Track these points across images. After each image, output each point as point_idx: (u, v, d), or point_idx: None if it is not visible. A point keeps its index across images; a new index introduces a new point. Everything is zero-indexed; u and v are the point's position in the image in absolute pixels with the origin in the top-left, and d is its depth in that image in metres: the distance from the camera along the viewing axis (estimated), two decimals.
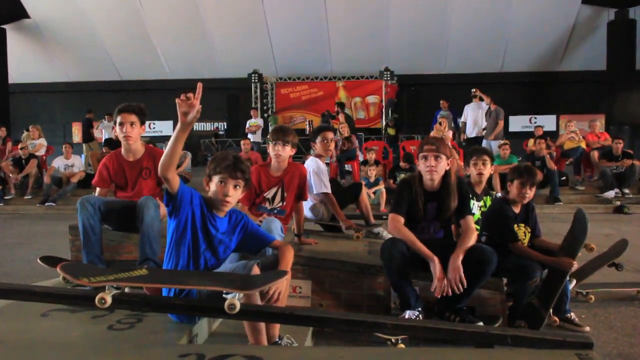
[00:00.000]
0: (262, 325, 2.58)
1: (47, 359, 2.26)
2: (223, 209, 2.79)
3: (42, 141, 12.97)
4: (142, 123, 4.08)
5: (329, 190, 4.76)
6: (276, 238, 3.02)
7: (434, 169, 3.41)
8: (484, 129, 12.65)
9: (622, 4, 17.93)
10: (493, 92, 13.18)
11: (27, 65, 20.69)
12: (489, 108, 12.56)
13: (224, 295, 2.34)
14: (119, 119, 4.01)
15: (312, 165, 4.76)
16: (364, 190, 5.14)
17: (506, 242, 3.75)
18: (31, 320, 2.76)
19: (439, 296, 3.25)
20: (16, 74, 20.67)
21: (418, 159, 3.54)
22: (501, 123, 12.39)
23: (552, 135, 12.86)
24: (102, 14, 19.08)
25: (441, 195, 3.48)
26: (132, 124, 4.00)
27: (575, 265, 3.46)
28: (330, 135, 4.97)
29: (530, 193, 3.87)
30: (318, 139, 4.91)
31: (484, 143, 12.39)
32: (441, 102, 14.46)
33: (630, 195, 10.58)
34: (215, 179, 2.75)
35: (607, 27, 18.32)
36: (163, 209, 3.87)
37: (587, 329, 3.69)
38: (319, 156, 4.90)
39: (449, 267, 3.20)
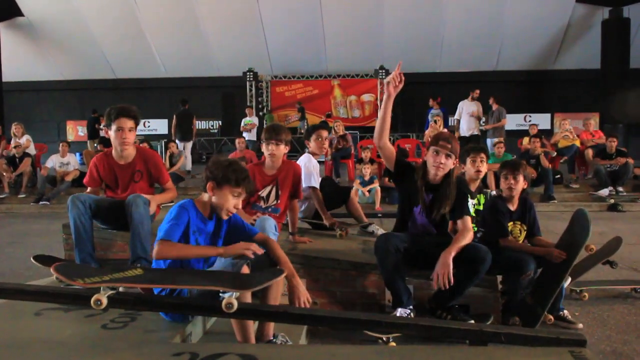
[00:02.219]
0: (250, 322, 2.58)
1: (40, 358, 2.26)
2: (223, 216, 2.81)
3: (27, 137, 12.86)
4: (137, 125, 4.03)
5: (317, 185, 4.77)
6: (258, 232, 3.02)
7: (442, 166, 3.47)
8: (482, 129, 12.75)
9: (616, 3, 17.99)
10: (488, 91, 13.23)
11: (21, 63, 20.58)
12: (491, 108, 12.62)
13: (220, 295, 2.34)
14: (117, 124, 3.87)
15: (304, 160, 4.77)
16: (353, 195, 5.14)
17: (497, 237, 3.77)
18: (25, 319, 2.74)
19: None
20: (10, 73, 20.55)
21: (428, 150, 3.56)
22: (504, 120, 12.49)
23: (547, 134, 12.91)
24: (96, 11, 19.02)
25: (439, 190, 3.50)
26: (130, 129, 3.92)
27: (563, 256, 3.48)
28: (324, 133, 5.01)
29: (514, 183, 3.87)
30: (312, 137, 4.95)
31: (489, 142, 12.42)
32: (430, 100, 14.47)
33: (624, 193, 10.60)
34: (228, 189, 2.73)
35: (602, 25, 18.40)
36: (153, 206, 3.86)
37: (580, 326, 3.70)
38: (313, 154, 4.92)
39: (439, 262, 3.21)
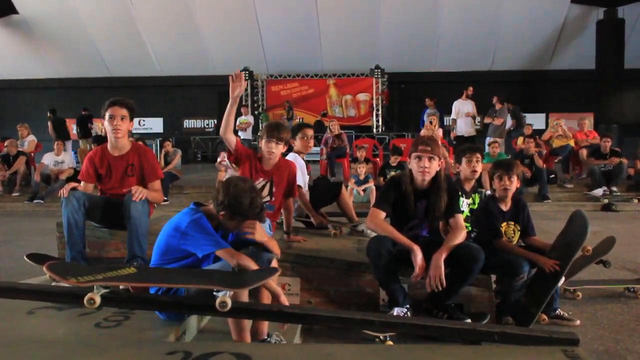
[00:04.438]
0: (246, 321, 2.58)
1: (33, 357, 2.24)
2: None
3: (32, 138, 12.87)
4: (132, 119, 4.03)
5: (303, 185, 4.77)
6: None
7: (427, 170, 3.43)
8: (477, 128, 12.78)
9: (611, 3, 18.02)
10: (483, 91, 13.25)
11: (15, 61, 20.51)
12: (494, 107, 12.63)
13: (214, 293, 2.34)
14: (109, 112, 3.90)
15: (291, 159, 4.74)
16: (344, 189, 5.13)
17: (490, 238, 3.78)
18: (17, 318, 2.73)
19: (414, 281, 3.29)
20: (4, 70, 20.50)
21: (410, 157, 3.54)
22: (501, 120, 12.51)
23: (542, 134, 12.94)
24: (91, 9, 18.93)
25: (431, 195, 3.49)
26: (122, 118, 3.93)
27: (555, 266, 3.47)
28: (310, 132, 5.05)
29: (509, 184, 3.87)
30: (298, 136, 4.98)
31: (487, 140, 12.43)
32: (427, 100, 14.45)
33: (618, 193, 10.66)
34: (240, 221, 2.76)
35: (596, 26, 18.43)
36: (144, 192, 3.84)
37: (578, 322, 3.72)
38: (298, 152, 4.96)
39: (430, 265, 3.22)
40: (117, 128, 3.92)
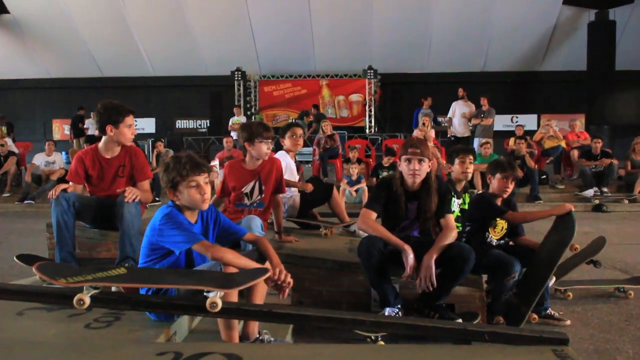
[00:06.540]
0: (235, 321, 2.57)
1: (22, 358, 2.23)
2: (203, 208, 2.77)
3: (7, 140, 12.72)
4: None
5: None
6: (247, 231, 3.01)
7: (417, 172, 3.44)
8: (471, 130, 12.86)
9: (602, 5, 18.12)
10: (475, 91, 13.31)
11: (6, 61, 20.33)
12: (481, 108, 12.71)
13: (205, 294, 2.33)
14: (128, 121, 3.98)
15: (281, 159, 4.70)
16: (335, 192, 5.15)
17: (496, 217, 3.85)
18: (6, 319, 2.71)
19: (405, 280, 3.30)
20: None
21: (400, 159, 3.55)
22: (489, 120, 12.57)
23: (533, 135, 13.03)
24: (83, 9, 18.81)
25: (421, 196, 3.50)
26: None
27: (571, 207, 3.60)
28: (299, 131, 5.10)
29: (511, 187, 3.93)
30: (287, 135, 5.03)
31: (475, 142, 12.49)
32: (422, 100, 14.49)
33: (609, 194, 10.73)
34: (184, 184, 2.70)
35: (588, 28, 18.52)
36: (135, 191, 3.84)
37: (568, 322, 3.75)
38: (288, 151, 5.02)
39: (421, 265, 3.22)
40: (133, 136, 4.08)
